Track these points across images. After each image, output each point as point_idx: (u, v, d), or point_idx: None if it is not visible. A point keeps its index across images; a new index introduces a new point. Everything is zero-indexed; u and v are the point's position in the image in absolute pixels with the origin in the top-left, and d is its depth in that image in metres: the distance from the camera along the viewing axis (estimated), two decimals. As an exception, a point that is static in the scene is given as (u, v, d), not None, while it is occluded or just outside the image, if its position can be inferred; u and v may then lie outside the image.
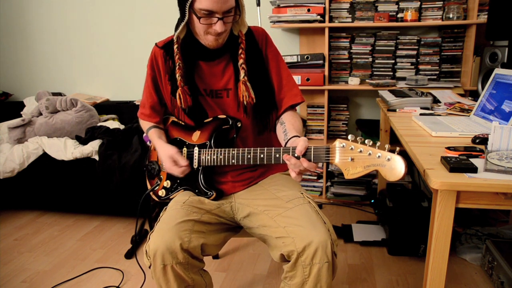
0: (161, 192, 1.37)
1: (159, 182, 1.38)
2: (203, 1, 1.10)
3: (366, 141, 0.97)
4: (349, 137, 0.98)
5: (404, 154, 0.99)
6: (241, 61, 1.25)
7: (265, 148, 1.14)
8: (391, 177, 0.92)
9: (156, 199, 1.40)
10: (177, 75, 1.25)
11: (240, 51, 1.25)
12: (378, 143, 0.95)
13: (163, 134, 1.40)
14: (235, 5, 1.16)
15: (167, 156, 1.27)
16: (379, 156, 0.93)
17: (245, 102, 1.26)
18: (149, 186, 1.45)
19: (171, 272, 1.09)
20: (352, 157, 0.97)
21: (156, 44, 1.34)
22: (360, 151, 0.96)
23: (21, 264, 2.04)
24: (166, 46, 1.31)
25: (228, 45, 1.26)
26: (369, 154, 0.95)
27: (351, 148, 0.97)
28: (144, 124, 1.45)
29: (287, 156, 1.06)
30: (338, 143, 0.99)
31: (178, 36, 1.24)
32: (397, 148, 0.93)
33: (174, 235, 1.10)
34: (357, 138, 0.98)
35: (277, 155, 1.11)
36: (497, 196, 0.98)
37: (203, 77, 1.31)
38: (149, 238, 1.14)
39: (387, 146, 0.93)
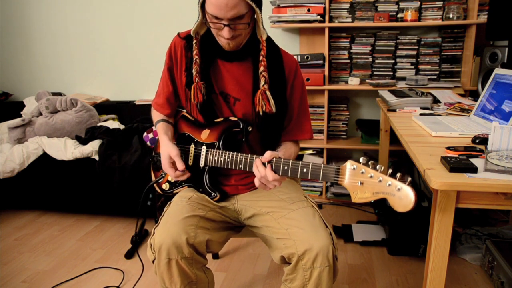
0: (165, 186, 1.36)
1: (163, 175, 1.37)
2: (210, 6, 1.08)
3: (378, 166, 0.94)
4: (361, 160, 0.96)
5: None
6: (261, 68, 1.20)
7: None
8: (400, 208, 0.90)
9: (159, 191, 1.40)
10: (193, 69, 1.23)
11: (261, 58, 1.20)
12: (390, 171, 0.93)
13: (170, 129, 1.36)
14: (245, 12, 1.10)
15: (167, 155, 1.25)
16: (389, 185, 0.91)
17: (261, 112, 1.22)
18: (153, 178, 1.44)
19: (175, 266, 1.09)
20: (362, 181, 0.95)
21: (178, 34, 1.31)
22: (371, 176, 0.94)
23: (21, 264, 2.04)
24: (188, 38, 1.28)
25: (249, 49, 1.23)
26: (380, 180, 0.92)
27: (362, 172, 0.95)
28: (155, 115, 1.42)
29: (255, 164, 1.08)
30: (349, 165, 0.97)
31: (197, 32, 1.22)
32: (409, 179, 0.91)
33: (180, 229, 1.10)
34: (369, 162, 0.96)
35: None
36: (497, 196, 0.98)
37: (218, 76, 1.28)
38: (153, 232, 1.13)
39: (398, 174, 0.92)
